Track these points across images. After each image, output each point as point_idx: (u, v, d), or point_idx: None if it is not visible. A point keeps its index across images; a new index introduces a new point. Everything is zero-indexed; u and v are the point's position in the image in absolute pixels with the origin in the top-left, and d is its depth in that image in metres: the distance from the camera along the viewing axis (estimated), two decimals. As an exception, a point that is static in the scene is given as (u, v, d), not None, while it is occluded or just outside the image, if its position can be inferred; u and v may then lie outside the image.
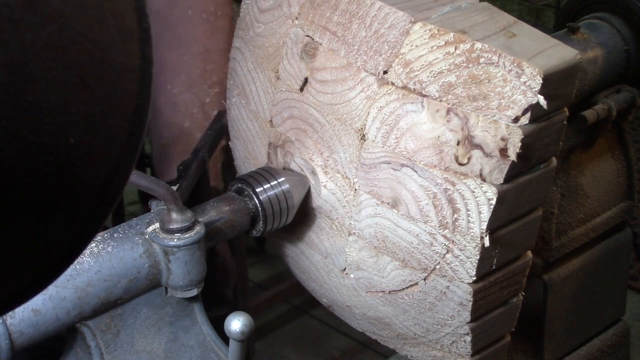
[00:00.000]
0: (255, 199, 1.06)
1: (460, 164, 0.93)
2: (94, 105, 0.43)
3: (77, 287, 0.93)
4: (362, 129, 1.01)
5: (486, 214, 0.94)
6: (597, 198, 1.64)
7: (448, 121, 0.93)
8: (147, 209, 1.07)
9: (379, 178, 1.01)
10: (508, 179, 0.93)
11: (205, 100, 1.39)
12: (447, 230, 0.97)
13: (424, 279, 1.01)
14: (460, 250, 0.97)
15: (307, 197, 1.11)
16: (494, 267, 1.00)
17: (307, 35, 1.06)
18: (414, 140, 0.96)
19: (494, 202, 0.93)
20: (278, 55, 1.11)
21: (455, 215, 0.95)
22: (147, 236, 0.99)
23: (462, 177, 0.94)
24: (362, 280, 1.08)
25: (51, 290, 0.91)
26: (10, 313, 0.89)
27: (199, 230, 0.99)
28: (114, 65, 0.44)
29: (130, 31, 0.45)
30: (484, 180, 0.93)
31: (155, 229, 0.99)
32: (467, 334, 1.04)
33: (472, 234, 0.95)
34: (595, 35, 1.52)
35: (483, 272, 0.99)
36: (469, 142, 0.92)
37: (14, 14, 0.39)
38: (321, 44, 1.04)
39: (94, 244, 0.96)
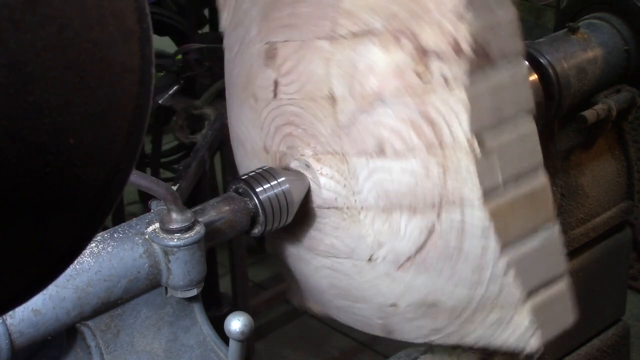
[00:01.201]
0: (255, 199, 1.07)
1: (425, 81, 0.95)
2: (94, 105, 0.43)
3: (77, 287, 0.93)
4: (329, 93, 1.04)
5: (465, 119, 0.95)
6: (597, 198, 1.64)
7: (400, 47, 0.96)
8: (147, 209, 1.07)
9: (359, 132, 1.02)
10: (474, 78, 0.95)
11: None
12: (436, 153, 0.97)
13: (437, 218, 0.99)
14: (456, 168, 0.96)
15: (308, 198, 1.11)
16: (500, 183, 0.98)
17: (266, 43, 1.11)
18: (377, 77, 0.99)
19: (467, 103, 0.94)
20: (250, 78, 1.15)
21: (439, 132, 0.96)
22: (147, 236, 0.99)
23: (431, 92, 0.95)
24: (388, 256, 1.06)
25: (51, 290, 0.91)
26: (10, 313, 0.89)
27: (199, 230, 0.99)
28: (114, 65, 0.44)
29: (130, 31, 0.45)
30: (451, 87, 0.94)
31: (155, 229, 0.99)
32: (508, 269, 1.00)
33: (460, 144, 0.95)
34: (595, 35, 1.52)
35: (488, 186, 0.97)
36: (424, 55, 0.95)
37: (14, 14, 0.39)
38: (278, 42, 1.09)
39: (94, 244, 0.96)
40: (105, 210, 0.47)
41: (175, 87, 2.63)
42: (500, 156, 0.98)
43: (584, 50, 1.48)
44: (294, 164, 1.11)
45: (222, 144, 2.48)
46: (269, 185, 1.07)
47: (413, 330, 1.13)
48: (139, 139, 0.47)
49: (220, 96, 2.39)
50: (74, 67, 0.42)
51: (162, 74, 2.73)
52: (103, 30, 0.43)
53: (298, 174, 1.10)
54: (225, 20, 1.23)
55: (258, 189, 1.07)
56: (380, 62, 0.99)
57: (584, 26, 1.53)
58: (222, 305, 2.56)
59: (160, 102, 2.58)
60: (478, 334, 1.07)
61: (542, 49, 1.43)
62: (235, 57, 1.20)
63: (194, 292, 1.01)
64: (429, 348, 1.56)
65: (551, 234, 1.06)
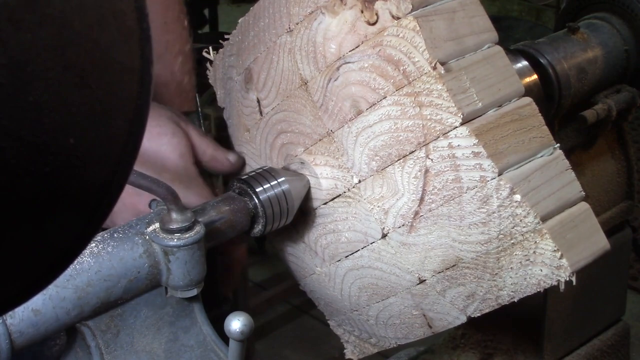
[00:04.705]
0: (255, 199, 1.07)
1: (373, 24, 0.99)
2: (94, 105, 0.43)
3: (77, 287, 0.93)
4: (301, 79, 1.07)
5: (421, 43, 0.96)
6: (597, 198, 1.64)
7: (345, 4, 1.01)
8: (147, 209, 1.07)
9: (334, 102, 1.04)
10: (419, 4, 0.97)
11: (174, 69, 1.48)
12: (405, 88, 0.97)
13: (427, 157, 0.98)
14: (428, 96, 0.96)
15: (310, 202, 1.11)
16: (480, 105, 0.97)
17: (243, 71, 1.17)
18: (334, 41, 1.03)
19: (417, 27, 0.95)
20: (240, 113, 1.20)
21: (401, 67, 0.97)
22: (147, 236, 0.99)
23: (383, 32, 0.98)
24: (397, 222, 1.04)
25: (51, 290, 0.91)
26: (10, 313, 0.89)
27: (199, 230, 0.99)
28: (114, 65, 0.44)
29: (130, 31, 0.45)
30: (398, 19, 0.97)
31: (155, 229, 0.99)
32: (512, 193, 0.96)
33: (424, 71, 0.96)
34: (595, 35, 1.52)
35: (467, 108, 0.96)
36: (369, 3, 0.99)
37: (14, 14, 0.39)
38: (249, 63, 1.16)
39: (94, 244, 0.96)
40: (105, 210, 0.47)
41: (175, 87, 2.62)
42: (470, 77, 0.98)
43: (584, 50, 1.48)
44: (294, 167, 1.12)
45: (222, 143, 2.48)
46: (269, 185, 1.08)
47: (449, 308, 1.08)
48: (139, 139, 0.47)
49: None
50: (74, 67, 0.42)
51: (162, 74, 2.73)
52: (103, 30, 0.43)
53: (298, 174, 1.10)
54: (220, 99, 1.31)
55: (258, 189, 1.07)
56: (333, 26, 1.03)
57: (584, 26, 1.53)
58: (222, 305, 2.56)
59: (160, 102, 2.58)
60: (510, 283, 1.02)
61: (542, 49, 1.43)
62: (228, 108, 1.27)
63: (194, 292, 1.01)
64: (429, 348, 1.55)
65: (552, 156, 1.03)
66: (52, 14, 0.40)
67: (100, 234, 0.98)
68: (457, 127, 0.96)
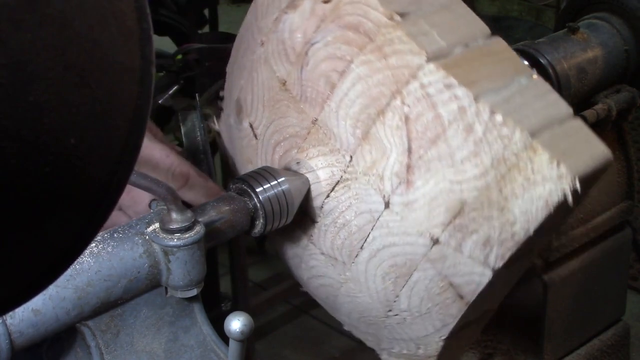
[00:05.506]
0: (255, 199, 1.07)
1: (328, 2, 1.04)
2: (94, 105, 0.43)
3: (77, 287, 0.93)
4: (279, 81, 1.10)
5: (374, 2, 0.99)
6: (597, 198, 1.64)
7: None
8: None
9: (311, 87, 1.06)
10: None
11: None
12: (369, 46, 1.00)
13: (403, 103, 0.99)
14: (390, 45, 0.98)
15: (311, 203, 1.11)
16: (443, 43, 0.99)
17: (234, 108, 1.21)
18: (299, 31, 1.06)
19: None
20: (242, 150, 1.23)
21: (361, 29, 1.00)
22: (147, 236, 0.99)
23: (338, 6, 1.02)
24: (394, 184, 1.03)
25: (51, 290, 0.91)
26: (10, 313, 0.89)
27: (198, 230, 0.99)
28: (114, 65, 0.44)
29: (130, 31, 0.45)
30: None
31: (155, 229, 0.99)
32: (493, 113, 0.95)
33: (381, 23, 0.98)
34: (595, 35, 1.52)
35: (431, 48, 0.98)
36: None
37: (14, 14, 0.39)
38: (238, 95, 1.20)
39: (94, 244, 0.96)
40: (105, 210, 0.47)
41: (175, 87, 2.63)
42: (429, 23, 0.99)
43: (584, 50, 1.48)
44: (294, 167, 1.13)
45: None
46: (269, 185, 1.08)
47: (470, 265, 1.02)
48: (139, 139, 0.47)
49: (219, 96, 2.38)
50: (74, 67, 0.42)
51: (162, 74, 2.73)
52: (103, 30, 0.43)
53: (297, 173, 1.10)
54: (231, 161, 1.32)
55: (258, 189, 1.07)
56: (296, 18, 1.07)
57: (584, 26, 1.53)
58: (222, 305, 2.56)
59: (160, 102, 2.58)
60: (519, 213, 0.97)
61: (542, 49, 1.43)
62: (232, 152, 1.29)
63: (194, 292, 1.01)
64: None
65: (531, 81, 1.01)
66: (52, 14, 0.40)
67: (100, 234, 0.98)
68: (423, 65, 0.96)
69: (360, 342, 1.27)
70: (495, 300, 1.15)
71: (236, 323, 0.94)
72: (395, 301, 1.13)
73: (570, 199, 0.93)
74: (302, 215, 1.14)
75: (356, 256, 1.12)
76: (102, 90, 0.43)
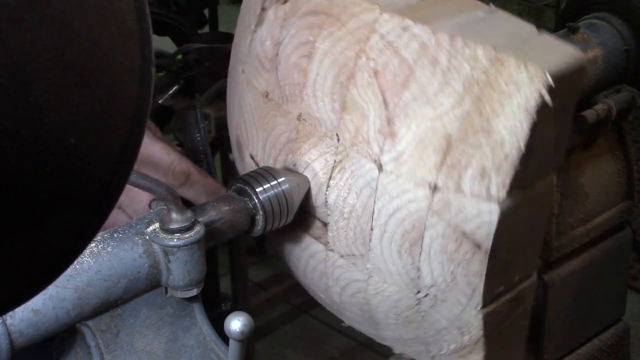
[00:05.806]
0: (255, 199, 1.07)
1: (286, 2, 1.08)
2: (94, 105, 0.43)
3: (77, 287, 0.93)
4: (262, 95, 1.13)
5: None
6: (597, 198, 1.64)
7: (265, 10, 1.11)
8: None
9: (289, 86, 1.08)
10: None
11: None
12: (326, 22, 1.04)
13: (368, 58, 1.01)
14: (344, 12, 1.01)
15: (311, 203, 1.11)
16: None
17: (236, 147, 1.24)
18: (267, 40, 1.11)
19: None
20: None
21: (318, 10, 1.04)
22: (147, 236, 0.99)
23: (295, 2, 1.07)
24: (380, 143, 1.02)
25: (51, 290, 0.92)
26: (10, 313, 0.89)
27: (198, 230, 0.99)
28: (114, 65, 0.44)
29: (130, 31, 0.45)
30: None
31: (155, 229, 0.99)
32: (453, 40, 0.97)
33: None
34: (595, 35, 1.52)
35: (382, 1, 1.02)
36: None
37: (14, 14, 0.39)
38: (236, 135, 1.23)
39: (94, 244, 0.97)
40: (105, 210, 0.47)
41: (175, 87, 2.63)
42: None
43: (584, 50, 1.48)
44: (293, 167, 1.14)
45: (222, 144, 2.48)
46: (268, 185, 1.08)
47: (475, 204, 0.99)
48: (139, 139, 0.47)
49: (220, 96, 2.39)
50: (74, 67, 0.42)
51: (162, 74, 2.73)
52: (103, 30, 0.43)
53: (299, 174, 1.10)
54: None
55: (258, 189, 1.07)
56: (263, 30, 1.11)
57: (584, 26, 1.53)
58: (222, 305, 2.57)
59: (160, 102, 2.58)
60: (506, 132, 0.94)
61: (542, 49, 1.43)
62: None
63: (194, 292, 1.01)
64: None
65: (490, 12, 1.01)
66: (52, 14, 0.40)
67: (100, 234, 0.98)
68: (378, 18, 0.98)
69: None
70: (524, 264, 1.10)
71: (236, 323, 0.94)
72: (418, 277, 1.07)
73: (547, 97, 0.90)
74: (303, 215, 1.14)
75: (370, 240, 1.08)
76: (102, 90, 0.43)
